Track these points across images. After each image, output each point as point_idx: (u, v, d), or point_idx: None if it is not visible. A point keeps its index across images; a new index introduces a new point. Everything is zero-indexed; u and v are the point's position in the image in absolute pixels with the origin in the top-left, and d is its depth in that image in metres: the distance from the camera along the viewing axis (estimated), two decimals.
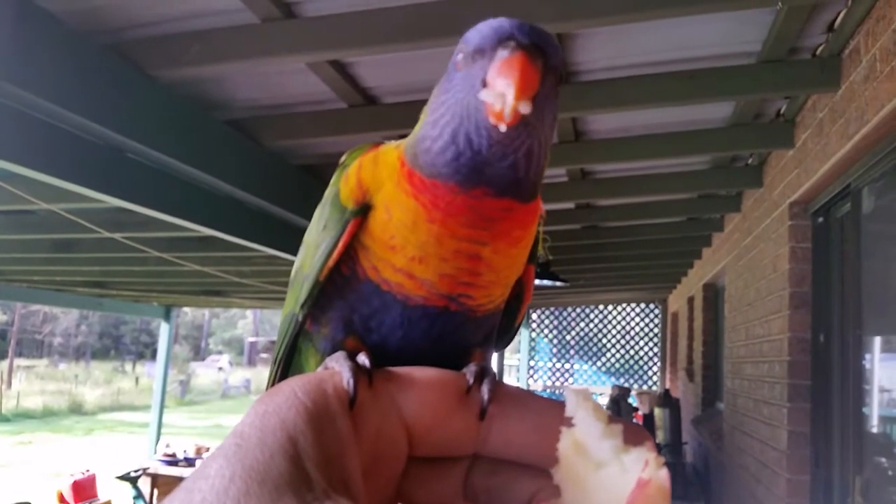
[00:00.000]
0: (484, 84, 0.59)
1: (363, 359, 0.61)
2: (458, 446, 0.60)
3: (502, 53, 0.59)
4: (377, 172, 0.69)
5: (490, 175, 0.62)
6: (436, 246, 0.65)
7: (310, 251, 0.74)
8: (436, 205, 0.64)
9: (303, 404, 0.50)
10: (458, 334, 0.70)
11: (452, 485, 0.60)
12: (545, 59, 0.60)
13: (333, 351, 0.67)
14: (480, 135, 0.60)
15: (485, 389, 0.60)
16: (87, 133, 3.09)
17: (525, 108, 0.56)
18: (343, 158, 0.75)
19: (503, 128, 0.57)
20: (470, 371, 0.62)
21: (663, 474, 0.51)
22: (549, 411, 0.59)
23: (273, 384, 0.79)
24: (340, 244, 0.68)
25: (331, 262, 0.69)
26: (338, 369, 0.58)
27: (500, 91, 0.57)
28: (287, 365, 0.80)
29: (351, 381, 0.56)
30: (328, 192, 0.74)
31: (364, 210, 0.68)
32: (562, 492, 0.56)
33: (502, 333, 0.80)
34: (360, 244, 0.69)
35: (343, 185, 0.71)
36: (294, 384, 0.53)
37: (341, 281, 0.70)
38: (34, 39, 2.51)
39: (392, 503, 0.60)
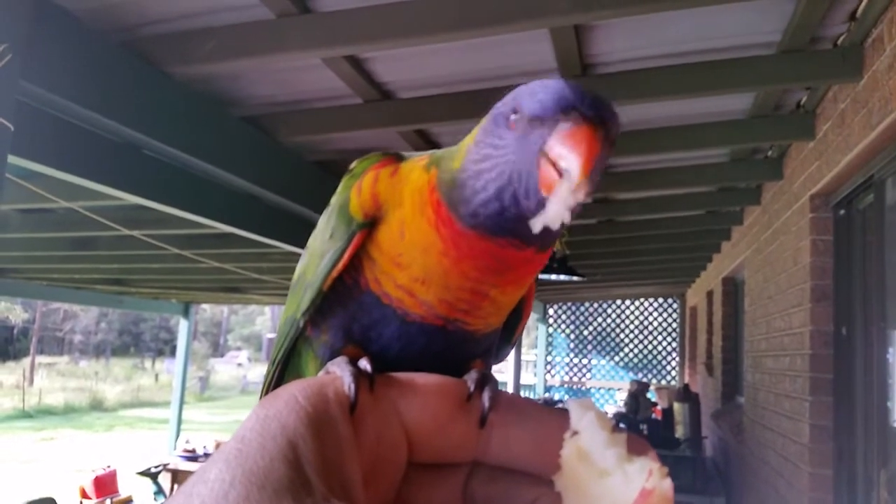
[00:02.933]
0: (541, 153, 0.59)
1: (364, 364, 0.61)
2: (458, 453, 0.60)
3: (564, 126, 0.58)
4: (396, 189, 0.69)
5: (523, 229, 0.62)
6: (443, 277, 0.65)
7: (314, 259, 0.73)
8: (456, 244, 0.64)
9: (303, 409, 0.50)
10: (457, 350, 0.71)
11: (452, 491, 0.60)
12: (605, 132, 0.59)
13: (332, 357, 0.67)
14: (529, 198, 0.60)
15: (485, 397, 0.61)
16: (104, 130, 3.11)
17: (580, 194, 0.57)
18: (352, 166, 0.75)
19: (554, 201, 0.58)
20: (471, 378, 0.62)
21: (667, 485, 0.51)
22: (549, 420, 0.59)
23: (269, 386, 0.81)
24: (346, 255, 0.68)
25: (335, 273, 0.69)
26: (339, 374, 0.59)
27: (561, 166, 0.57)
28: (285, 367, 0.80)
29: (352, 386, 0.56)
30: (336, 201, 0.73)
31: (373, 222, 0.68)
32: (564, 499, 0.56)
33: (500, 346, 0.80)
34: (366, 255, 0.69)
35: (354, 196, 0.70)
36: (295, 389, 0.53)
37: (343, 290, 0.70)
38: (50, 37, 2.52)
39: None
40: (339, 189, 0.74)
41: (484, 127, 0.65)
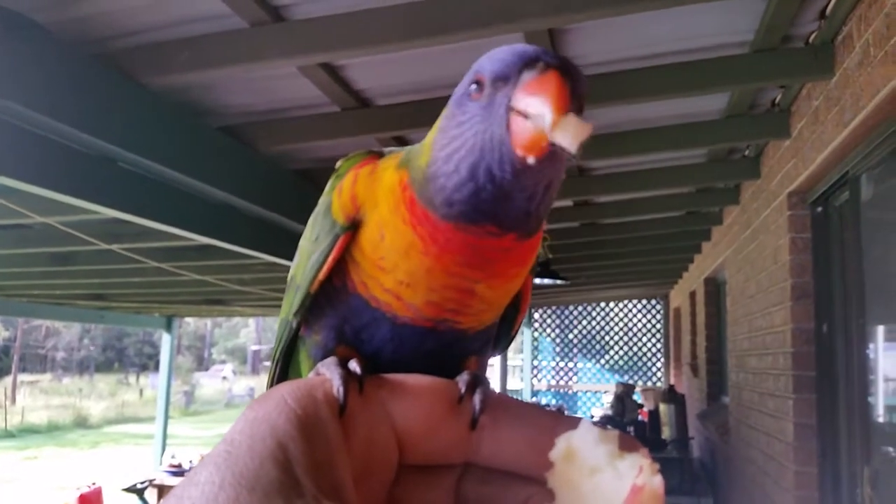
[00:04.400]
0: (509, 111, 0.56)
1: (354, 365, 0.61)
2: (450, 455, 0.60)
3: (530, 74, 0.56)
4: (373, 190, 0.68)
5: (502, 210, 0.60)
6: (426, 277, 0.64)
7: (302, 260, 0.73)
8: (434, 240, 0.63)
9: (293, 411, 0.50)
10: (450, 348, 0.70)
11: (444, 492, 0.60)
12: (573, 83, 0.57)
13: (325, 357, 0.66)
14: (504, 169, 0.57)
15: (477, 399, 0.60)
16: (78, 144, 3.08)
17: (572, 139, 0.53)
18: (338, 165, 0.74)
19: (531, 160, 0.55)
20: (462, 380, 0.62)
21: (657, 481, 0.51)
22: (541, 422, 0.59)
23: (272, 385, 0.79)
24: (330, 259, 0.68)
25: (321, 276, 0.69)
26: (328, 376, 0.58)
27: (534, 112, 0.54)
28: (286, 366, 0.80)
29: (341, 389, 0.56)
30: (322, 202, 0.73)
31: (356, 225, 0.67)
32: (556, 497, 0.56)
33: (499, 339, 0.79)
34: (351, 258, 0.68)
35: (336, 198, 0.70)
36: (284, 391, 0.53)
37: (333, 292, 0.70)
38: (22, 50, 2.50)
39: None
40: (326, 189, 0.74)
41: (446, 114, 0.64)
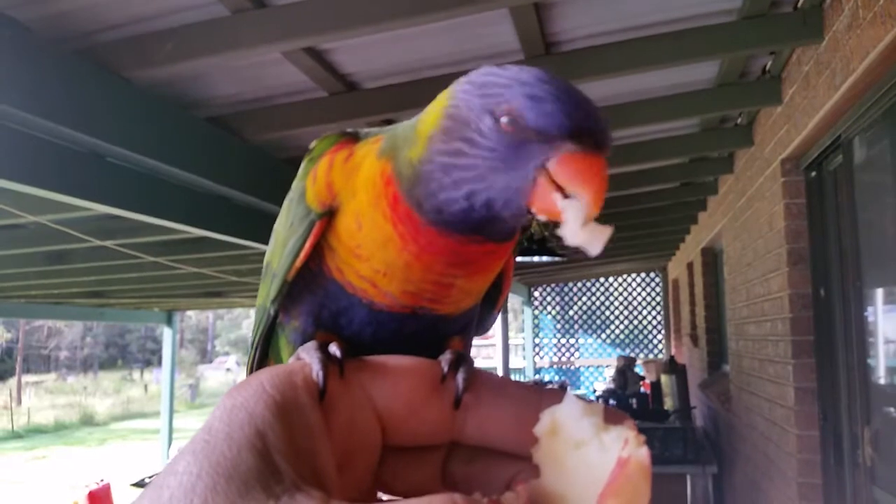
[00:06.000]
0: (540, 170, 0.56)
1: (334, 349, 0.60)
2: (434, 435, 0.59)
3: (575, 150, 0.55)
4: (350, 178, 0.66)
5: (490, 229, 0.60)
6: (404, 270, 0.64)
7: (278, 247, 0.72)
8: (415, 240, 0.62)
9: (271, 397, 0.50)
10: (431, 331, 0.69)
11: (430, 473, 0.60)
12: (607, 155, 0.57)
13: (304, 342, 0.66)
14: (509, 208, 0.57)
15: (459, 378, 0.59)
16: (65, 140, 3.06)
17: (592, 244, 0.57)
18: (312, 146, 0.73)
19: (541, 217, 0.57)
20: (445, 359, 0.61)
21: (643, 453, 0.50)
22: (524, 397, 0.59)
23: (251, 371, 0.79)
24: (307, 246, 0.67)
25: (298, 263, 0.68)
26: (308, 360, 0.58)
27: (571, 193, 0.55)
28: (265, 352, 0.79)
29: (321, 373, 0.55)
30: (296, 186, 0.72)
31: (331, 211, 0.66)
32: (541, 471, 0.55)
33: (481, 320, 0.78)
34: (327, 244, 0.67)
35: (310, 185, 0.69)
36: (263, 377, 0.52)
37: (309, 276, 0.69)
38: (1, 49, 2.47)
39: (370, 493, 0.59)
40: (300, 173, 0.72)
41: (453, 114, 0.60)
